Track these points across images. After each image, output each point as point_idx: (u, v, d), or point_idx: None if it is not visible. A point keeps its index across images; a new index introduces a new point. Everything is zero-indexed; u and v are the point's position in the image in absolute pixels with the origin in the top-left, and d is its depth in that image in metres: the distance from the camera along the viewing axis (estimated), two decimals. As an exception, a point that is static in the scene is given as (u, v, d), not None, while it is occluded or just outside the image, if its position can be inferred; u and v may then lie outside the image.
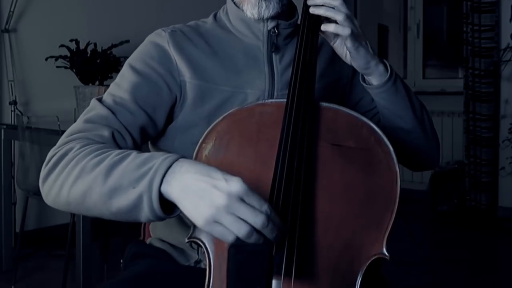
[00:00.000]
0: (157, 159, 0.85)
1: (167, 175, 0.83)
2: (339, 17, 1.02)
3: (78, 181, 0.91)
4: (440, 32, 5.41)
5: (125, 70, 1.11)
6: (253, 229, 0.78)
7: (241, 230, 0.78)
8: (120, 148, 1.01)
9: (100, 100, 1.07)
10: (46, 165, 0.97)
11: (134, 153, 0.90)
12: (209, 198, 0.78)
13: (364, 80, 1.13)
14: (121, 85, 1.09)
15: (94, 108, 1.05)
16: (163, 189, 0.83)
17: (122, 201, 0.86)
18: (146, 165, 0.85)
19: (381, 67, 1.09)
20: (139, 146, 1.07)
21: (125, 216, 0.87)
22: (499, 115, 4.11)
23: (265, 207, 0.79)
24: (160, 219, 0.86)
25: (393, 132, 1.18)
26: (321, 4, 1.04)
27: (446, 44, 5.37)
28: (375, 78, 1.10)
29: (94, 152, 0.93)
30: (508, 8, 4.06)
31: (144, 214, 0.84)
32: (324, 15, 1.04)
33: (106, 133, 1.00)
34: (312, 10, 1.05)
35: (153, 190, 0.82)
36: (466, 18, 4.09)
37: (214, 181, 0.79)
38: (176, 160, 0.84)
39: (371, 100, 1.20)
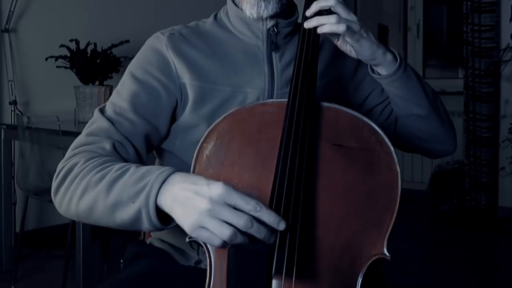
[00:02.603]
0: (152, 174, 0.89)
1: (161, 189, 0.87)
2: (332, 20, 1.02)
3: (84, 196, 0.95)
4: (440, 32, 5.40)
5: (125, 78, 1.13)
6: (238, 231, 0.80)
7: (224, 233, 0.80)
8: (123, 158, 1.04)
9: (102, 110, 1.09)
10: (56, 178, 1.02)
11: (133, 168, 0.94)
12: (193, 204, 0.82)
13: (373, 71, 1.12)
14: (121, 93, 1.10)
15: (96, 121, 1.08)
16: (158, 202, 0.87)
17: (124, 215, 0.91)
18: (143, 180, 0.89)
19: (389, 56, 1.08)
20: (143, 155, 1.08)
21: (129, 227, 0.92)
22: (499, 115, 4.11)
23: (251, 204, 0.81)
24: (160, 229, 0.90)
25: (409, 120, 1.18)
26: (317, 9, 1.04)
27: (446, 44, 5.37)
28: (384, 67, 1.09)
29: (97, 167, 0.97)
30: (508, 8, 4.06)
31: (145, 226, 0.89)
32: (318, 25, 1.03)
33: (107, 145, 1.03)
34: (306, 25, 1.04)
35: (150, 204, 0.87)
36: (466, 18, 4.09)
37: (197, 187, 0.83)
38: (171, 174, 0.88)
39: (380, 92, 1.19)
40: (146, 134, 1.08)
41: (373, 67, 1.11)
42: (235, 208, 0.81)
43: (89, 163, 0.98)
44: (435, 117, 1.17)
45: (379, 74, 1.11)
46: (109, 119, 1.07)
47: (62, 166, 1.02)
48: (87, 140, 1.05)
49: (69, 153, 1.05)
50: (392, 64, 1.09)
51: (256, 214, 0.81)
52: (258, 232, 0.81)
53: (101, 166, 0.97)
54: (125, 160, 1.04)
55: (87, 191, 0.95)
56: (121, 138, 1.05)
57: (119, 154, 1.04)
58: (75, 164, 1.00)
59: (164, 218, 0.88)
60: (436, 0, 5.33)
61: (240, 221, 0.80)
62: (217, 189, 0.81)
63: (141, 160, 1.07)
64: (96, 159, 0.99)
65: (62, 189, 1.00)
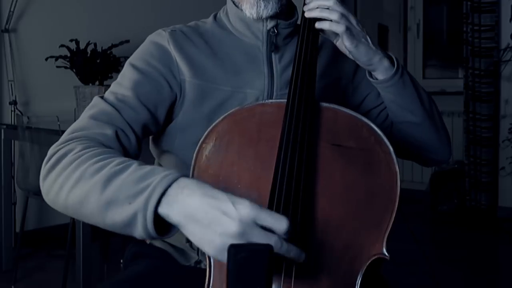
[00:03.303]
0: (156, 175, 0.81)
1: (165, 195, 0.78)
2: (334, 16, 1.03)
3: (77, 186, 0.87)
4: (440, 32, 5.41)
5: (126, 69, 1.11)
6: None
7: None
8: (123, 147, 1.01)
9: (102, 97, 1.06)
10: (47, 162, 0.95)
11: (135, 165, 0.86)
12: (220, 227, 0.74)
13: (371, 75, 1.12)
14: (122, 83, 1.09)
15: (97, 105, 1.04)
16: (161, 210, 0.78)
17: (116, 216, 0.82)
18: (145, 181, 0.81)
19: (386, 62, 1.08)
20: (141, 144, 1.07)
21: (119, 230, 0.83)
22: (499, 115, 4.11)
23: (283, 221, 0.75)
24: (153, 239, 0.82)
25: (403, 126, 1.18)
26: (315, 7, 1.05)
27: (446, 44, 5.37)
28: (380, 73, 1.10)
29: (95, 157, 0.89)
30: (508, 8, 4.06)
31: (138, 232, 0.80)
32: (319, 17, 1.04)
33: (109, 131, 0.99)
34: (306, 14, 1.05)
35: (148, 209, 0.78)
36: (466, 18, 4.10)
37: (222, 205, 0.75)
38: (176, 179, 0.80)
39: (377, 96, 1.19)
40: (146, 122, 1.07)
41: (370, 71, 1.12)
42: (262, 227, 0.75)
43: (87, 151, 0.91)
44: (429, 125, 1.17)
45: (376, 79, 1.11)
46: (111, 105, 1.03)
47: (55, 150, 0.95)
48: (88, 124, 0.99)
49: (65, 136, 0.98)
50: (388, 70, 1.09)
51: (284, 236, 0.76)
52: (288, 251, 0.76)
53: (100, 157, 0.89)
54: (125, 149, 1.00)
55: (81, 182, 0.86)
56: (123, 125, 1.02)
57: (120, 142, 1.00)
58: (71, 150, 0.92)
59: (161, 226, 0.80)
60: (436, 0, 5.34)
61: (272, 242, 0.74)
62: (245, 209, 0.74)
63: (139, 150, 1.05)
64: (95, 148, 0.93)
65: (53, 174, 0.92)
